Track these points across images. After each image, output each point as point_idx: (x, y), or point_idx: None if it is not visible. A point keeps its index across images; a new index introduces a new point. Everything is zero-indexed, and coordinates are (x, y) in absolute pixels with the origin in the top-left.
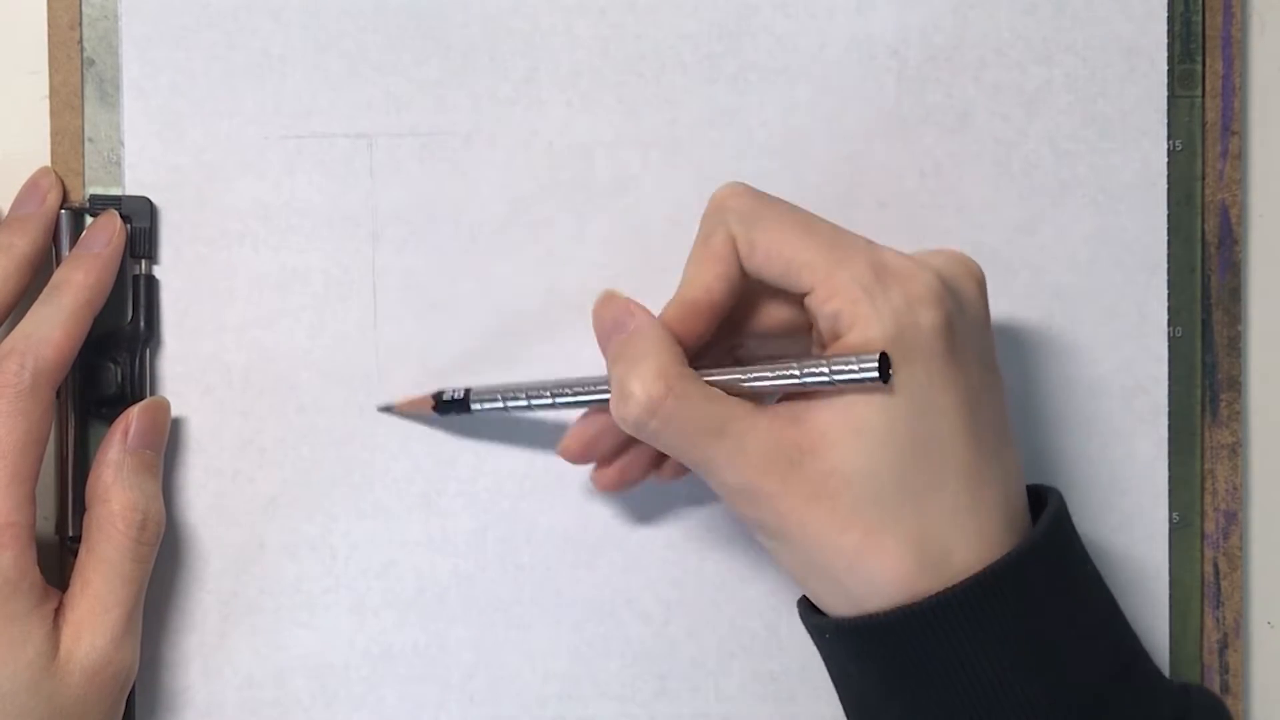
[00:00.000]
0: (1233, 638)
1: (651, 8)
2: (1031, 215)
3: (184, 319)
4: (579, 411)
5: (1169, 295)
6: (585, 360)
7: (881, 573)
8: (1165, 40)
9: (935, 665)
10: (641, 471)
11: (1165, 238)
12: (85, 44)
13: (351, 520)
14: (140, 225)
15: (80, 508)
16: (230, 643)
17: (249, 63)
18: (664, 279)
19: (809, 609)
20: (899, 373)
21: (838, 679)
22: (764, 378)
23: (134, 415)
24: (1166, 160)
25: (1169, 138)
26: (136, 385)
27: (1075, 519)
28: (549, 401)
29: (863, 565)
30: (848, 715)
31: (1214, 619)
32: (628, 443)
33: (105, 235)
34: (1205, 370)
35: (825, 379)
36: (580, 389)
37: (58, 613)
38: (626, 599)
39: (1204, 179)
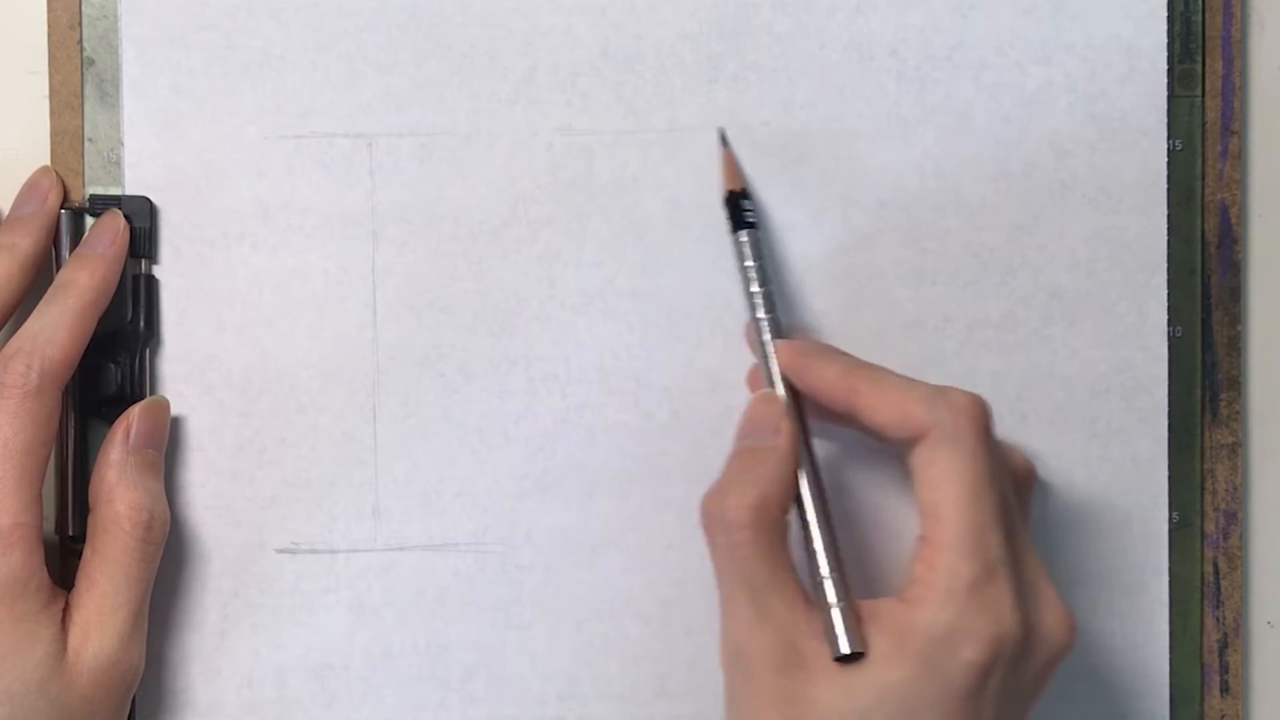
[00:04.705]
0: (1233, 638)
1: (651, 8)
2: (1031, 215)
3: (184, 319)
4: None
5: (1169, 295)
6: (586, 361)
7: None
8: (1165, 40)
9: None
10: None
11: (1165, 238)
12: (85, 44)
13: (351, 520)
14: (140, 225)
15: (81, 507)
16: (230, 643)
17: (249, 63)
18: (664, 279)
19: None
20: (903, 670)
21: None
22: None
23: (135, 415)
24: (1166, 160)
25: (1169, 138)
26: (136, 385)
27: (1075, 519)
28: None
29: None
30: None
31: (1214, 619)
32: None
33: (109, 235)
34: (1205, 370)
35: (828, 624)
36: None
37: (64, 613)
38: (626, 599)
39: (1204, 179)
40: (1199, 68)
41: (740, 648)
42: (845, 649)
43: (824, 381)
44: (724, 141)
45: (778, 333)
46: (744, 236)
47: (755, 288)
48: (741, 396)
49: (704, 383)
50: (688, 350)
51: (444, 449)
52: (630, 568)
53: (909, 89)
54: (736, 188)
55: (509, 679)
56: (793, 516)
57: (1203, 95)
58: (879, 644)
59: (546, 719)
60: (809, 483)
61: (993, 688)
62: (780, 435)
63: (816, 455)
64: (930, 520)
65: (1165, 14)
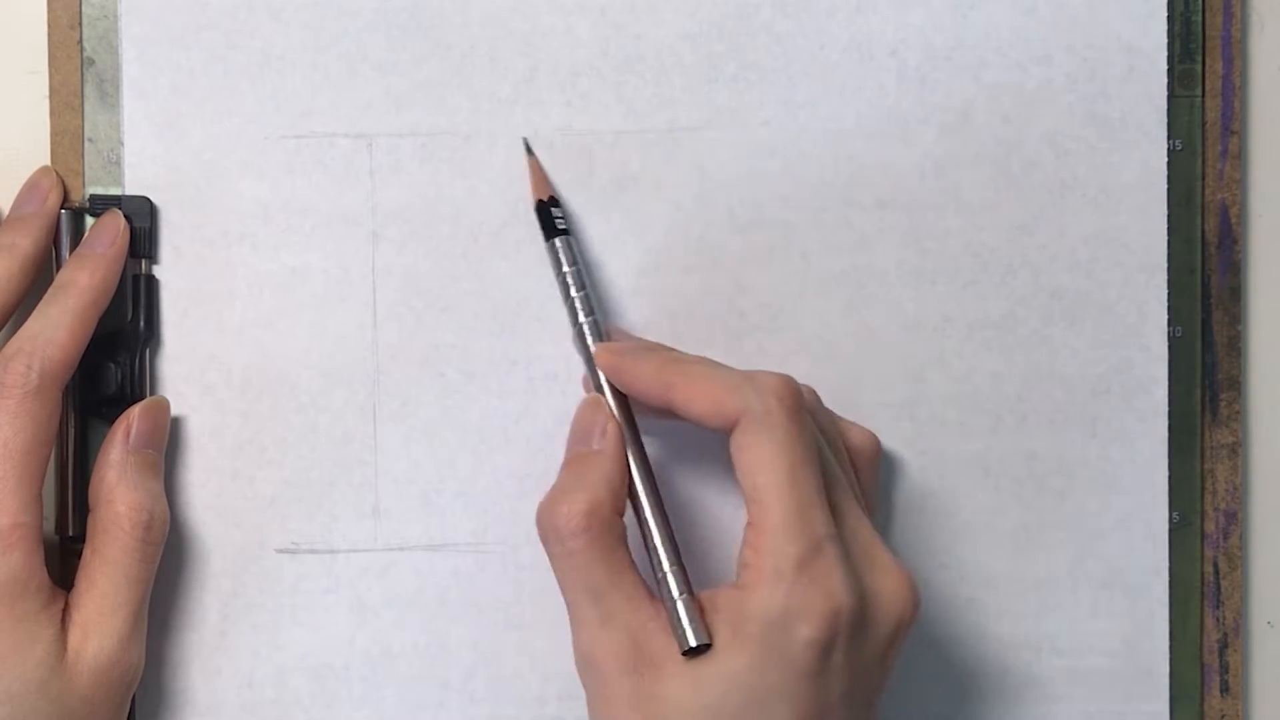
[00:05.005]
0: (1233, 638)
1: (651, 8)
2: (1031, 215)
3: (184, 319)
4: None
5: (1169, 295)
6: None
7: None
8: (1165, 40)
9: None
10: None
11: (1165, 238)
12: (85, 44)
13: (351, 520)
14: (140, 225)
15: (81, 507)
16: (230, 643)
17: (249, 63)
18: (663, 279)
19: None
20: (745, 657)
21: None
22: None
23: (135, 415)
24: (1166, 160)
25: (1169, 138)
26: (136, 385)
27: (1075, 519)
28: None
29: None
30: None
31: (1214, 619)
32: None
33: (109, 235)
34: (1205, 370)
35: (673, 619)
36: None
37: (64, 613)
38: None
39: (1204, 179)
40: (1199, 68)
41: (590, 654)
42: (691, 642)
43: (640, 380)
44: (529, 150)
45: (598, 336)
46: (558, 243)
47: (573, 293)
48: None
49: None
50: (686, 350)
51: (444, 449)
52: None
53: (909, 89)
54: (546, 196)
55: (509, 679)
56: (630, 517)
57: (1203, 95)
58: (721, 633)
59: (546, 719)
60: (641, 481)
61: (836, 663)
62: (606, 438)
63: (648, 453)
64: (753, 505)
65: (1165, 14)
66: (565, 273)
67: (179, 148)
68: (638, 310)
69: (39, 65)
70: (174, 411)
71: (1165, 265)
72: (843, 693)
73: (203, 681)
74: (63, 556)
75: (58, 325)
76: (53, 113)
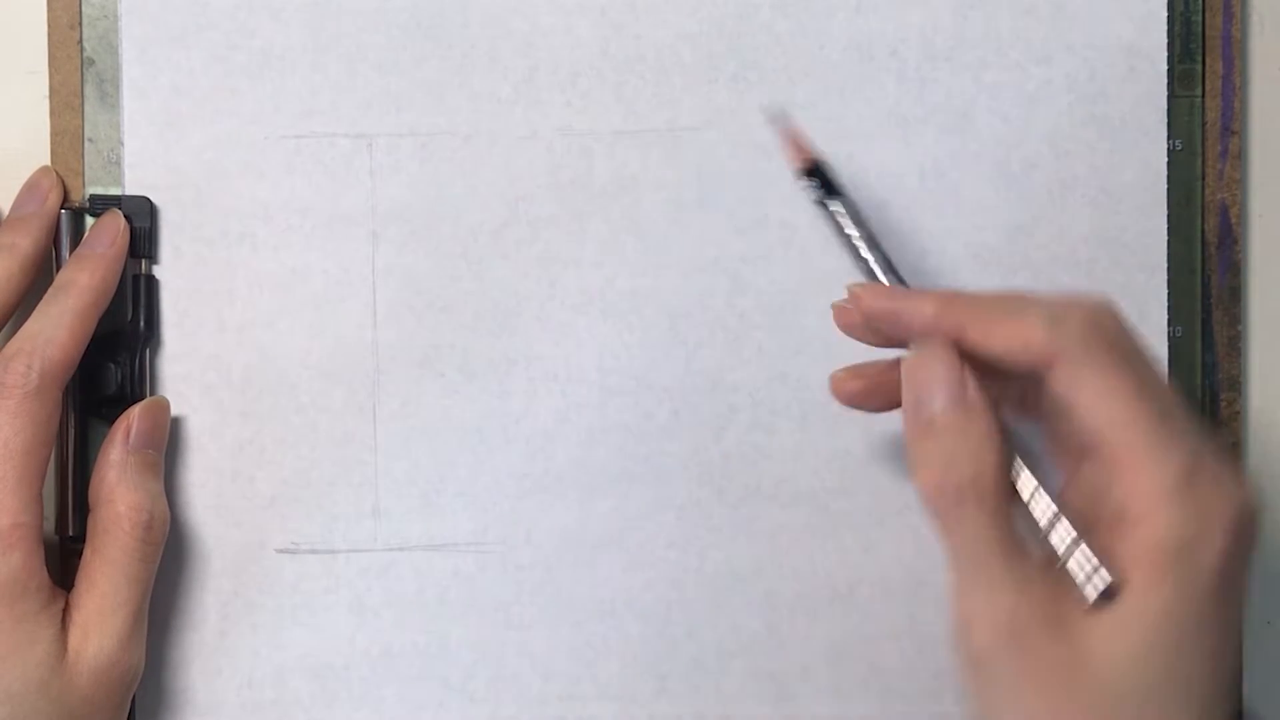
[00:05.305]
0: None
1: (651, 8)
2: (1031, 215)
3: (184, 319)
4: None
5: (1169, 295)
6: (586, 361)
7: None
8: (1165, 40)
9: None
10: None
11: (1165, 238)
12: (85, 44)
13: (351, 520)
14: (140, 225)
15: (81, 507)
16: (230, 643)
17: (249, 63)
18: (664, 279)
19: None
20: (1164, 589)
21: None
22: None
23: (135, 415)
24: (1166, 160)
25: (1169, 138)
26: (136, 385)
27: None
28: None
29: None
30: None
31: None
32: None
33: (109, 235)
34: (1205, 370)
35: (1076, 568)
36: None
37: (64, 613)
38: (626, 599)
39: (1204, 179)
40: (1199, 68)
41: (1003, 626)
42: (1106, 579)
43: (919, 318)
44: (781, 119)
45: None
46: (841, 205)
47: (869, 253)
48: (742, 396)
49: (704, 383)
50: (688, 350)
51: (444, 449)
52: (630, 568)
53: (909, 89)
54: (812, 161)
55: (509, 679)
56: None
57: (1203, 95)
58: (1130, 576)
59: (546, 719)
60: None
61: (1243, 575)
62: (969, 393)
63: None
64: (1106, 437)
65: (1165, 14)
66: (852, 235)
67: (179, 148)
68: (637, 312)
69: (39, 65)
70: (174, 411)
71: (1165, 265)
72: (1242, 610)
73: (203, 681)
74: (63, 556)
75: (58, 325)
76: (53, 113)
